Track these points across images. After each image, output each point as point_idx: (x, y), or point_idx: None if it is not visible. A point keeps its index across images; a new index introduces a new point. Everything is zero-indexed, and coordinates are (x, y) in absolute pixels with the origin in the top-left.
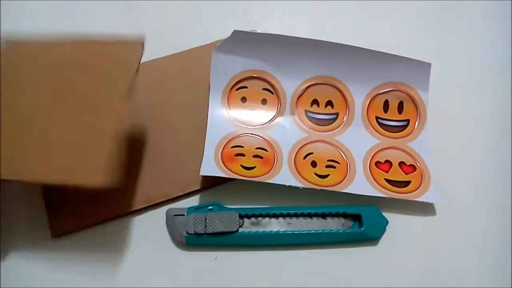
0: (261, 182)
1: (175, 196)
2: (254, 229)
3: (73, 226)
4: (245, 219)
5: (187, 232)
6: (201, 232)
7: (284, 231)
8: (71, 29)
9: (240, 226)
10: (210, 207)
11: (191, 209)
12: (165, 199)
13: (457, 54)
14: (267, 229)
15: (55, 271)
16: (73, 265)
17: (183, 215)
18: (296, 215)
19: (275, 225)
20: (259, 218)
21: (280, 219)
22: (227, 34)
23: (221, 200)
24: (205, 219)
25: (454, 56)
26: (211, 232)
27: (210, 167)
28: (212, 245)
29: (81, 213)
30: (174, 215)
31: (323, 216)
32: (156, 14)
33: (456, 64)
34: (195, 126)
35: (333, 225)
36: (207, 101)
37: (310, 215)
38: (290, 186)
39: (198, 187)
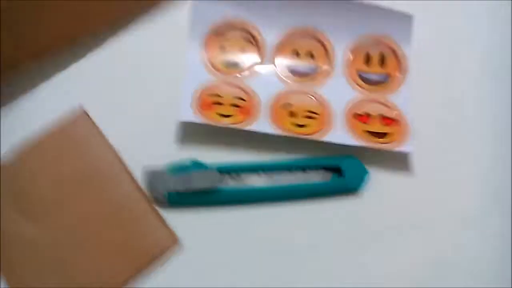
0: (238, 130)
1: None
2: (235, 185)
3: None
4: (226, 175)
5: (167, 190)
6: (182, 189)
7: (265, 186)
8: None
9: (221, 182)
10: (189, 164)
11: (170, 167)
12: None
13: (440, 8)
14: (248, 184)
15: None
16: None
17: (162, 173)
18: (276, 168)
19: (256, 180)
20: (240, 173)
21: (261, 173)
22: None
23: (199, 156)
24: (185, 176)
25: (437, 11)
26: (192, 189)
27: (188, 113)
28: (193, 203)
29: None
30: (154, 174)
31: (303, 169)
32: None
33: (439, 18)
34: None
35: (313, 178)
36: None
37: (289, 168)
38: (267, 135)
39: None
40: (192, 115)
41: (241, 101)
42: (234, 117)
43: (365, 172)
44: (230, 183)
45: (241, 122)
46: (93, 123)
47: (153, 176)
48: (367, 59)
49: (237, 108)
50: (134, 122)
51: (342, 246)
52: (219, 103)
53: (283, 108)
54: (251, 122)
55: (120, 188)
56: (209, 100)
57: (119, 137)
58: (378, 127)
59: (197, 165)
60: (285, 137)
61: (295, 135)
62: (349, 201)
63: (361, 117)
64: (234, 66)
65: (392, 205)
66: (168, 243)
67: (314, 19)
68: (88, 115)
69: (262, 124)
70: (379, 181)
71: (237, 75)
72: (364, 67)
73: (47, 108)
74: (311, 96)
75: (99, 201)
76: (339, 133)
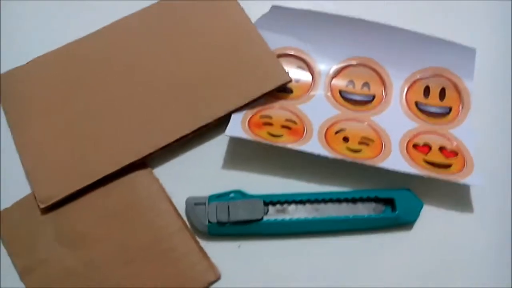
0: (285, 158)
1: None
2: (280, 216)
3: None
4: (270, 207)
5: (209, 221)
6: (224, 220)
7: (311, 218)
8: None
9: (265, 214)
10: (232, 194)
11: (212, 197)
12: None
13: (501, 40)
14: (294, 217)
15: None
16: None
17: (204, 203)
18: (324, 201)
19: (301, 212)
20: (285, 205)
21: (307, 205)
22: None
23: (243, 186)
24: (228, 207)
25: (497, 42)
26: (235, 220)
27: (236, 129)
28: (236, 234)
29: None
30: (195, 204)
31: (353, 201)
32: None
33: (499, 50)
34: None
35: (364, 210)
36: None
37: (339, 201)
38: (316, 164)
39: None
40: (240, 131)
41: (293, 123)
42: (284, 137)
43: (419, 204)
44: (274, 215)
45: (292, 142)
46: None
47: (195, 206)
48: (427, 91)
49: (288, 130)
50: (177, 151)
51: (393, 283)
52: (270, 124)
53: (337, 133)
54: (302, 143)
55: (160, 218)
56: (260, 121)
57: (162, 167)
58: (439, 158)
59: (240, 196)
60: (338, 161)
61: (350, 159)
62: (402, 235)
63: (421, 148)
64: (287, 91)
65: (447, 239)
66: (209, 277)
67: (371, 50)
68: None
69: (315, 145)
70: (433, 214)
71: (290, 100)
72: (423, 99)
73: None
74: (366, 124)
75: (139, 232)
76: (396, 160)
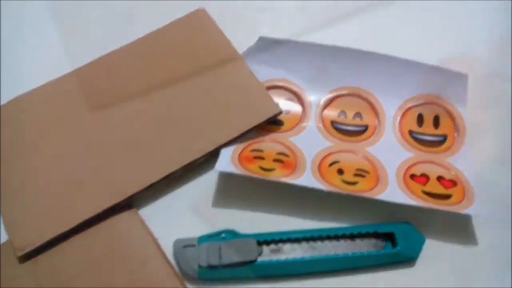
0: (277, 194)
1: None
2: (275, 257)
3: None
4: (264, 246)
5: (199, 265)
6: (216, 263)
7: (309, 257)
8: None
9: (259, 255)
10: (223, 234)
11: (202, 238)
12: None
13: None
14: (290, 256)
15: None
16: None
17: (194, 245)
18: (321, 238)
19: (298, 251)
20: (280, 244)
21: (303, 243)
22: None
23: (235, 225)
24: (219, 248)
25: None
26: (227, 263)
27: (226, 163)
28: (228, 278)
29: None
30: (184, 246)
31: (352, 237)
32: (163, 20)
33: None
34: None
35: (363, 246)
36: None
37: (336, 237)
38: (309, 200)
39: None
40: (231, 166)
41: (285, 156)
42: (277, 171)
43: (421, 239)
44: (269, 255)
45: (285, 176)
46: None
47: (183, 249)
48: (420, 120)
49: (280, 163)
50: (163, 189)
51: None
52: (261, 158)
53: (331, 166)
54: (296, 177)
55: (147, 264)
56: (251, 155)
57: (147, 207)
58: (438, 189)
59: (232, 235)
60: (334, 194)
61: (346, 192)
62: (404, 272)
63: (419, 178)
64: (277, 123)
65: (452, 274)
66: None
67: (361, 79)
68: None
69: (309, 179)
70: (435, 247)
71: (281, 133)
72: (416, 128)
73: None
74: (360, 155)
75: (125, 280)
76: (394, 192)
